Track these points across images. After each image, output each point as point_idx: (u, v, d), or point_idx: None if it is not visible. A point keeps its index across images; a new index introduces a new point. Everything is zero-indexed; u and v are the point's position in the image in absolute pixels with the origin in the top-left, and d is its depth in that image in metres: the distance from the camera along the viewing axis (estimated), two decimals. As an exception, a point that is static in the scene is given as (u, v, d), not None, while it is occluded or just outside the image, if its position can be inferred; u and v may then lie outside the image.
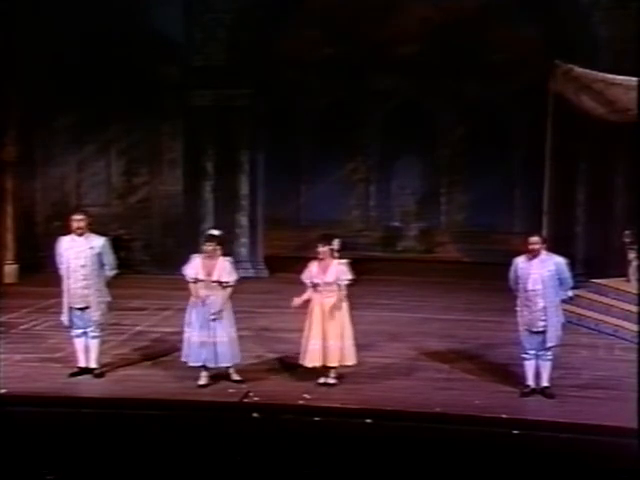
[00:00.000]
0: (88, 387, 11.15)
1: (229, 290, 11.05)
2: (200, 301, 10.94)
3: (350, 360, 11.26)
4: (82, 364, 11.47)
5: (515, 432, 9.72)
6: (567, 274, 10.83)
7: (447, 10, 19.77)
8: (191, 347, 11.06)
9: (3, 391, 10.59)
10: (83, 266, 11.25)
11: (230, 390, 11.02)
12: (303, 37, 19.81)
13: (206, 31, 18.24)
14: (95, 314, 11.39)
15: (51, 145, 18.94)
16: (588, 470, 8.70)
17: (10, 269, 17.59)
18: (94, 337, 11.45)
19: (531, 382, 10.91)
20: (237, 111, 18.52)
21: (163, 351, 12.60)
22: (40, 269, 17.83)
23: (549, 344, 10.76)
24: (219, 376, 11.25)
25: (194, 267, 11.00)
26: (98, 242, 11.32)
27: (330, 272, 11.08)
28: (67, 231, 11.40)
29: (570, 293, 11.06)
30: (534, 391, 10.87)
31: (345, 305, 11.26)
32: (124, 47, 17.88)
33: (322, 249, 11.05)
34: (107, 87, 18.17)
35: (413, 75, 20.76)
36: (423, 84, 21.02)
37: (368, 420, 10.04)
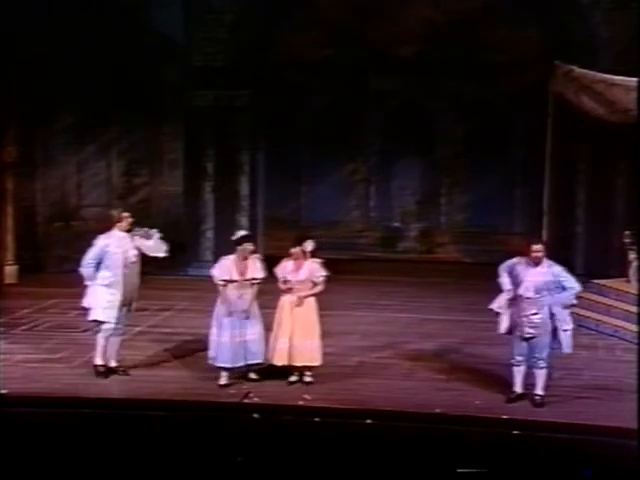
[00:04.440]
0: (88, 388, 11.14)
1: (256, 287, 11.25)
2: (232, 301, 11.09)
3: (317, 361, 11.30)
4: (102, 362, 11.55)
5: (515, 432, 9.72)
6: (569, 279, 10.64)
7: (447, 10, 19.74)
8: (221, 348, 11.12)
9: (4, 391, 10.59)
10: (134, 262, 11.47)
11: (230, 390, 11.04)
12: (304, 37, 19.78)
13: (206, 31, 18.22)
14: (133, 307, 11.66)
15: (51, 145, 18.91)
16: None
17: (10, 269, 17.58)
18: (120, 334, 11.55)
19: (518, 388, 10.83)
20: (237, 111, 18.51)
21: (163, 352, 12.61)
22: (40, 269, 17.87)
23: (537, 354, 10.66)
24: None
25: (227, 269, 11.13)
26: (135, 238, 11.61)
27: (303, 270, 11.19)
28: (106, 228, 11.60)
29: (573, 299, 10.76)
30: (521, 397, 10.81)
31: (314, 304, 11.27)
32: (124, 47, 17.88)
33: (293, 250, 11.19)
34: (107, 87, 18.16)
35: (413, 75, 20.72)
36: (423, 84, 20.97)
37: (368, 420, 10.05)
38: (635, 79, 13.14)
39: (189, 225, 18.65)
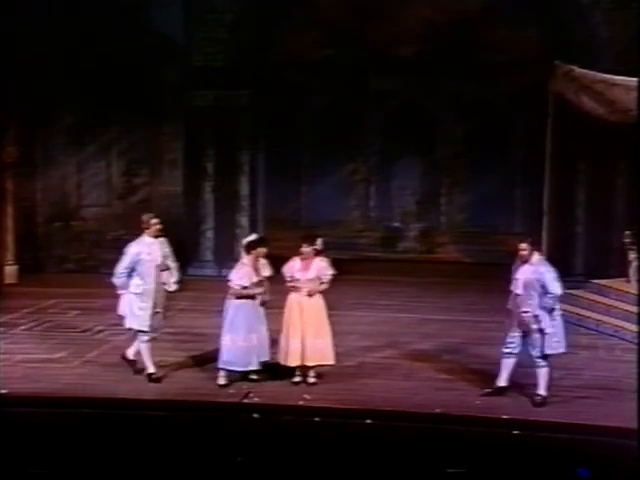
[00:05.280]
0: (88, 388, 11.13)
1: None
2: (256, 301, 11.18)
3: (329, 359, 11.27)
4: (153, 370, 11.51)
5: (515, 432, 9.72)
6: (551, 282, 10.53)
7: (447, 10, 19.75)
8: (237, 353, 11.11)
9: (4, 391, 10.59)
10: (162, 269, 11.49)
11: (230, 390, 11.03)
12: (304, 37, 19.79)
13: (206, 31, 18.22)
14: (162, 314, 11.61)
15: (51, 145, 18.93)
16: (588, 470, 8.70)
17: (10, 269, 17.58)
18: (150, 340, 11.52)
19: (501, 382, 10.83)
20: (237, 111, 18.51)
21: (163, 352, 12.59)
22: (40, 269, 17.87)
23: (533, 352, 10.63)
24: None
25: (247, 275, 11.19)
26: (164, 242, 11.63)
27: (312, 269, 11.20)
28: (137, 233, 11.63)
29: (550, 302, 10.56)
30: (501, 391, 10.79)
31: (323, 303, 11.26)
32: (124, 47, 17.88)
33: (306, 249, 11.18)
34: (107, 87, 18.16)
35: (413, 75, 20.73)
36: (423, 84, 20.99)
37: (368, 420, 10.05)
38: (635, 79, 13.13)
39: (189, 225, 18.64)
